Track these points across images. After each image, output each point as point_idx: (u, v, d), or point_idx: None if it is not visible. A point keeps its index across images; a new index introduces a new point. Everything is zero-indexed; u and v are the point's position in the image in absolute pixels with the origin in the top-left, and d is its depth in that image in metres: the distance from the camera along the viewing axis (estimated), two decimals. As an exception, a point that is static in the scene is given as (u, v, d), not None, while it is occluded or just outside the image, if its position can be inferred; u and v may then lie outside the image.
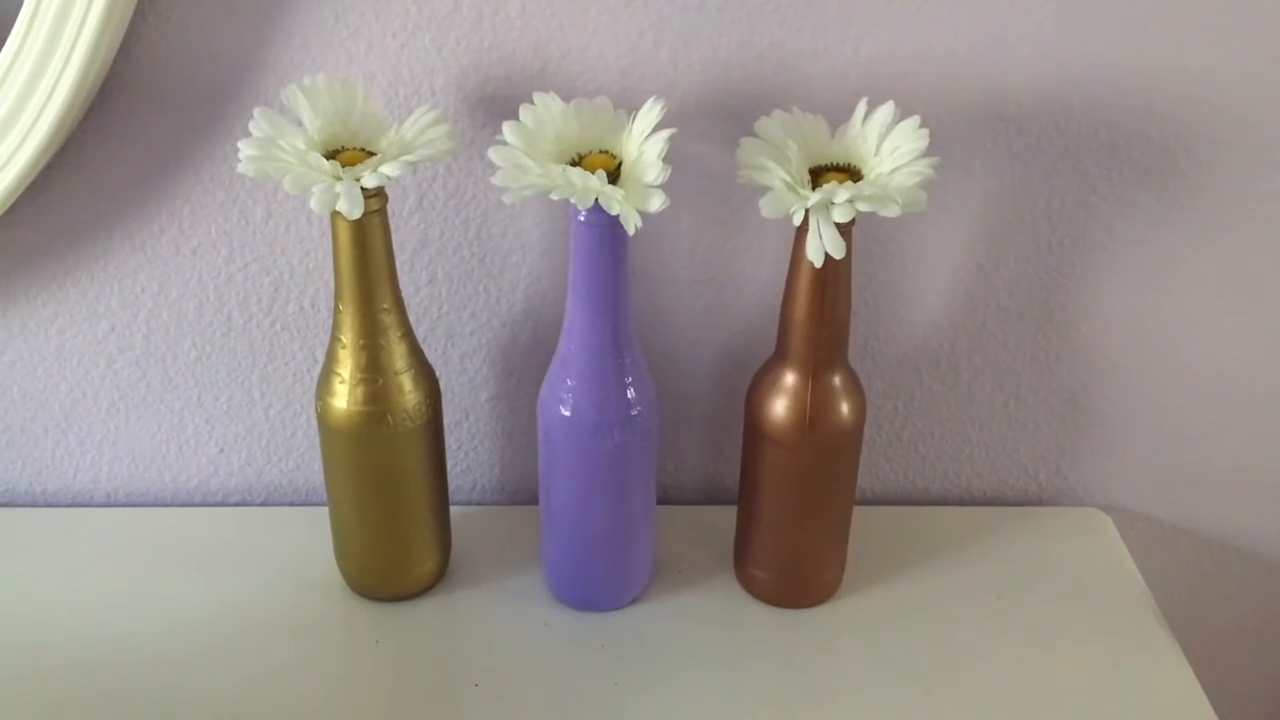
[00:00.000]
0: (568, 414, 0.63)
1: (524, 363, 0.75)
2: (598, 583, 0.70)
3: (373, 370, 0.63)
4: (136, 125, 0.67)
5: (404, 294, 0.65)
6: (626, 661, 0.67)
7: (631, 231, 0.56)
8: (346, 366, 0.63)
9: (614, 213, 0.56)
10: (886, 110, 0.59)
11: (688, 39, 0.65)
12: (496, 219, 0.70)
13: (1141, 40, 0.65)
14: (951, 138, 0.68)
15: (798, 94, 0.66)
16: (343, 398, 0.64)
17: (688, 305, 0.73)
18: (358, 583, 0.70)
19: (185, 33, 0.64)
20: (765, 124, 0.60)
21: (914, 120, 0.59)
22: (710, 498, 0.80)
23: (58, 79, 0.61)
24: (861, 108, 0.60)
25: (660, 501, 0.74)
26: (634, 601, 0.71)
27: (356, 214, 0.56)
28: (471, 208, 0.70)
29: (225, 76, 0.65)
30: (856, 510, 0.72)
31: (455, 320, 0.73)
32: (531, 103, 0.59)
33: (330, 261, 0.63)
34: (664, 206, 0.56)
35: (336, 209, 0.57)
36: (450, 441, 0.77)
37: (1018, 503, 0.81)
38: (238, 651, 0.67)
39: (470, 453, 0.78)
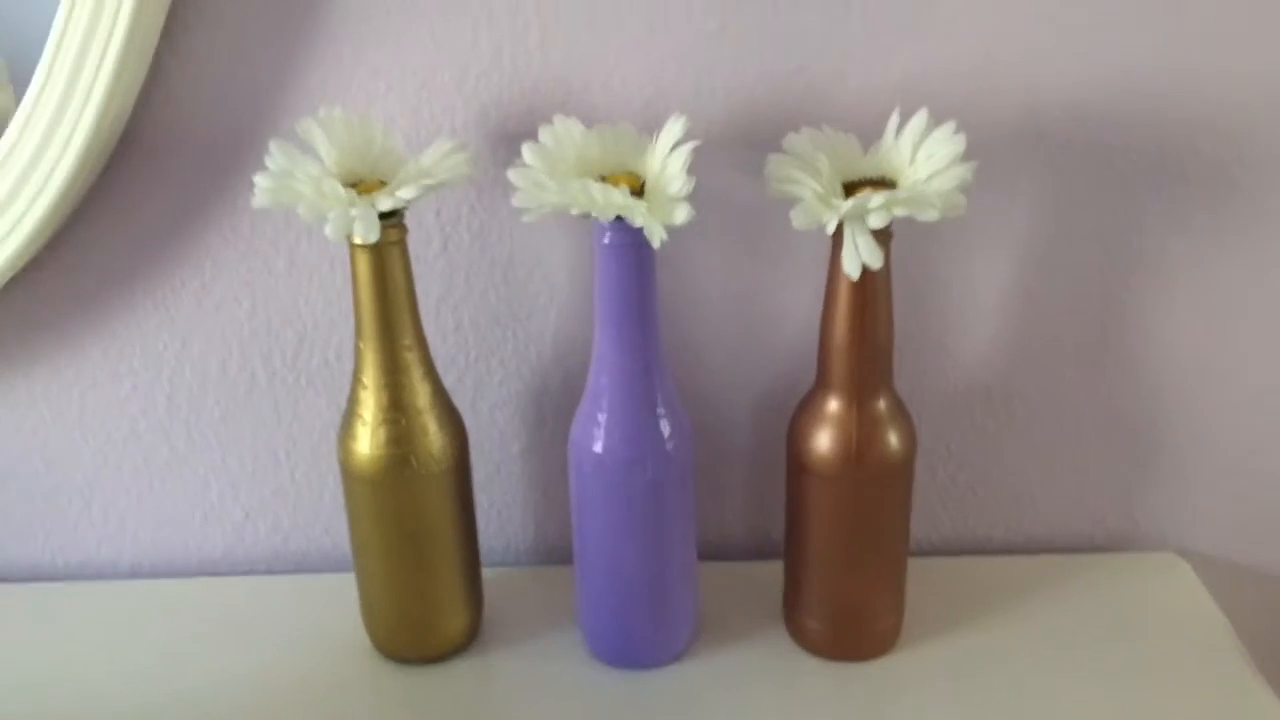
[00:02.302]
0: (599, 450, 0.60)
1: (556, 412, 0.72)
2: (637, 636, 0.65)
3: (395, 410, 0.61)
4: (156, 177, 0.66)
5: (430, 342, 0.63)
6: (671, 720, 0.63)
7: (656, 245, 0.54)
8: (368, 408, 0.61)
9: (638, 224, 0.53)
10: (920, 118, 0.57)
11: (711, 66, 0.64)
12: (522, 260, 0.68)
13: (1184, 47, 0.63)
14: (990, 157, 0.65)
15: (827, 117, 0.63)
16: (365, 441, 0.61)
17: (723, 344, 0.70)
18: (385, 644, 0.67)
19: (204, 77, 0.64)
20: (794, 139, 0.58)
21: (949, 126, 0.57)
22: (757, 552, 0.76)
23: (73, 129, 0.61)
24: (894, 119, 0.58)
25: (704, 557, 0.70)
26: (676, 659, 0.67)
27: (373, 238, 0.54)
28: (497, 249, 0.68)
29: (243, 123, 0.64)
30: (913, 562, 0.68)
31: (484, 369, 0.71)
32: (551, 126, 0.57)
33: (353, 312, 0.61)
34: (689, 219, 0.54)
35: (353, 235, 0.55)
36: (482, 500, 0.74)
37: (1086, 549, 0.76)
38: (260, 714, 0.63)
39: (503, 511, 0.75)
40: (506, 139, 0.65)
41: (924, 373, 0.71)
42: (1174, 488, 0.74)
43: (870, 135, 0.60)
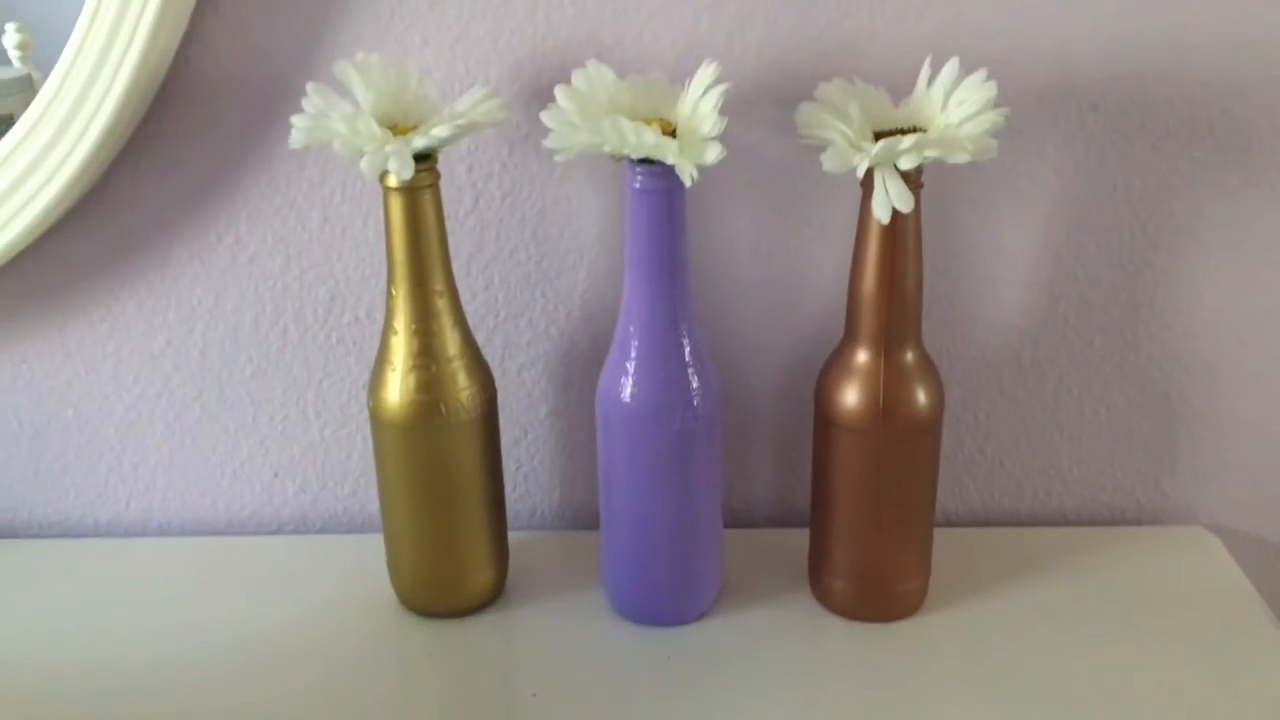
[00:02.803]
0: (627, 399, 0.61)
1: (583, 375, 0.72)
2: (661, 593, 0.65)
3: (425, 356, 0.61)
4: (194, 129, 0.67)
5: (461, 300, 0.63)
6: (694, 677, 0.62)
7: (688, 183, 0.54)
8: (399, 354, 0.61)
9: (669, 162, 0.54)
10: (952, 66, 0.57)
11: (743, 22, 0.64)
12: (553, 218, 0.69)
13: (1218, 6, 0.63)
14: (1021, 117, 0.66)
15: (858, 74, 0.63)
16: (395, 387, 0.61)
17: (752, 306, 0.71)
18: (410, 598, 0.67)
19: (242, 31, 0.65)
20: (826, 88, 0.59)
21: (981, 73, 0.57)
22: (783, 521, 0.76)
23: (113, 79, 0.62)
24: (926, 68, 0.58)
25: (730, 525, 0.71)
26: (701, 617, 0.67)
27: (406, 174, 0.55)
28: (528, 206, 0.69)
29: (281, 76, 0.65)
30: (940, 532, 0.68)
31: (513, 328, 0.71)
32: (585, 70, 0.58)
33: (385, 268, 0.61)
34: (721, 157, 0.54)
35: (388, 171, 0.55)
36: (509, 463, 0.74)
37: (1116, 523, 0.75)
38: (290, 671, 0.63)
39: (529, 474, 0.75)
40: (540, 94, 0.65)
41: (953, 339, 0.71)
42: (1205, 460, 0.74)
43: (901, 92, 0.60)
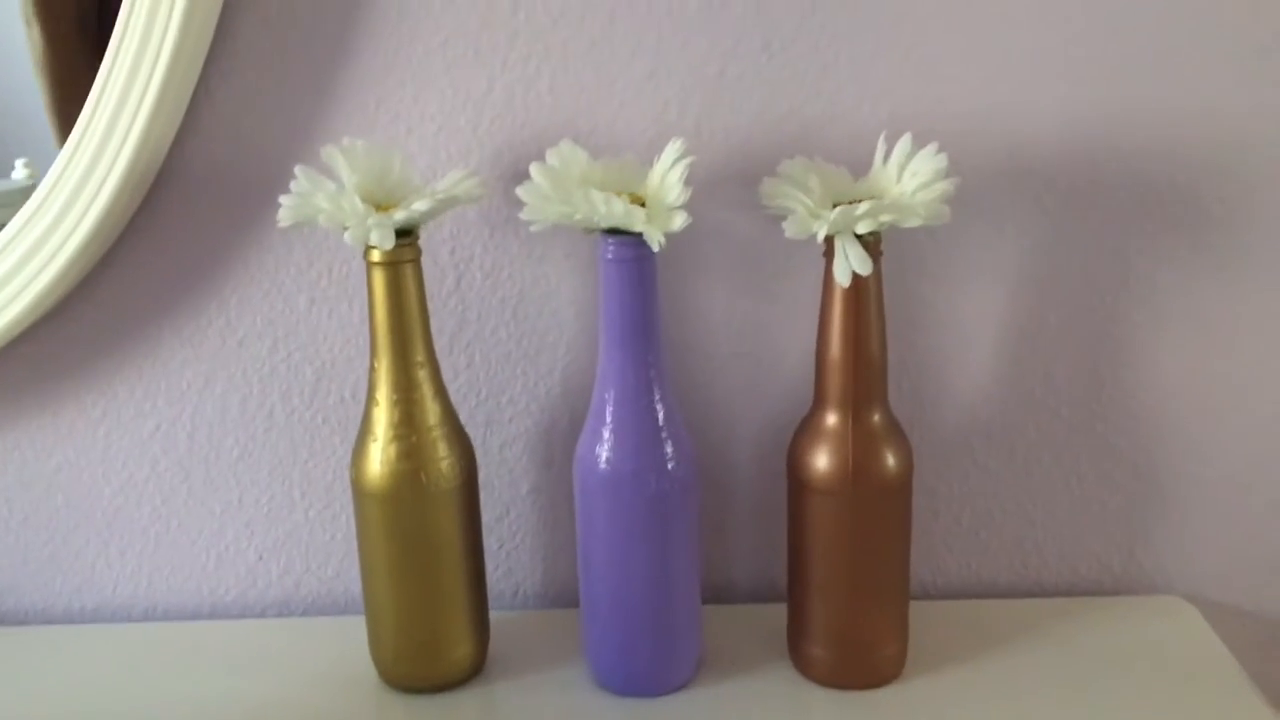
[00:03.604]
0: (603, 465, 0.62)
1: (563, 451, 0.74)
2: (641, 662, 0.66)
3: (406, 426, 0.63)
4: (186, 216, 0.70)
5: (444, 379, 0.66)
6: (675, 746, 0.62)
7: (656, 248, 0.57)
8: (380, 424, 0.63)
9: (638, 229, 0.56)
10: (905, 141, 0.61)
11: (710, 108, 0.68)
12: (532, 298, 0.71)
13: (1163, 85, 0.67)
14: (979, 196, 0.69)
15: (820, 155, 0.67)
16: (376, 458, 0.63)
17: (727, 381, 0.73)
18: (391, 671, 0.67)
19: (234, 122, 0.68)
20: (788, 164, 0.62)
21: (932, 146, 0.60)
22: (763, 595, 0.76)
23: (110, 167, 0.65)
24: (881, 144, 0.62)
25: (709, 600, 0.71)
26: (681, 688, 0.67)
27: (388, 244, 0.58)
28: (508, 287, 0.71)
29: (271, 165, 0.69)
30: (918, 605, 0.69)
31: (494, 405, 0.73)
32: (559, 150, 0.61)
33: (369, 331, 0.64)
34: (686, 224, 0.57)
35: (372, 247, 0.58)
36: (490, 541, 0.75)
37: (1093, 593, 0.76)
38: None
39: (511, 552, 0.76)
40: (519, 177, 0.68)
41: (923, 409, 0.73)
42: (1178, 530, 0.75)
43: (861, 171, 0.64)
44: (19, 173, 0.70)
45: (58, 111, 0.68)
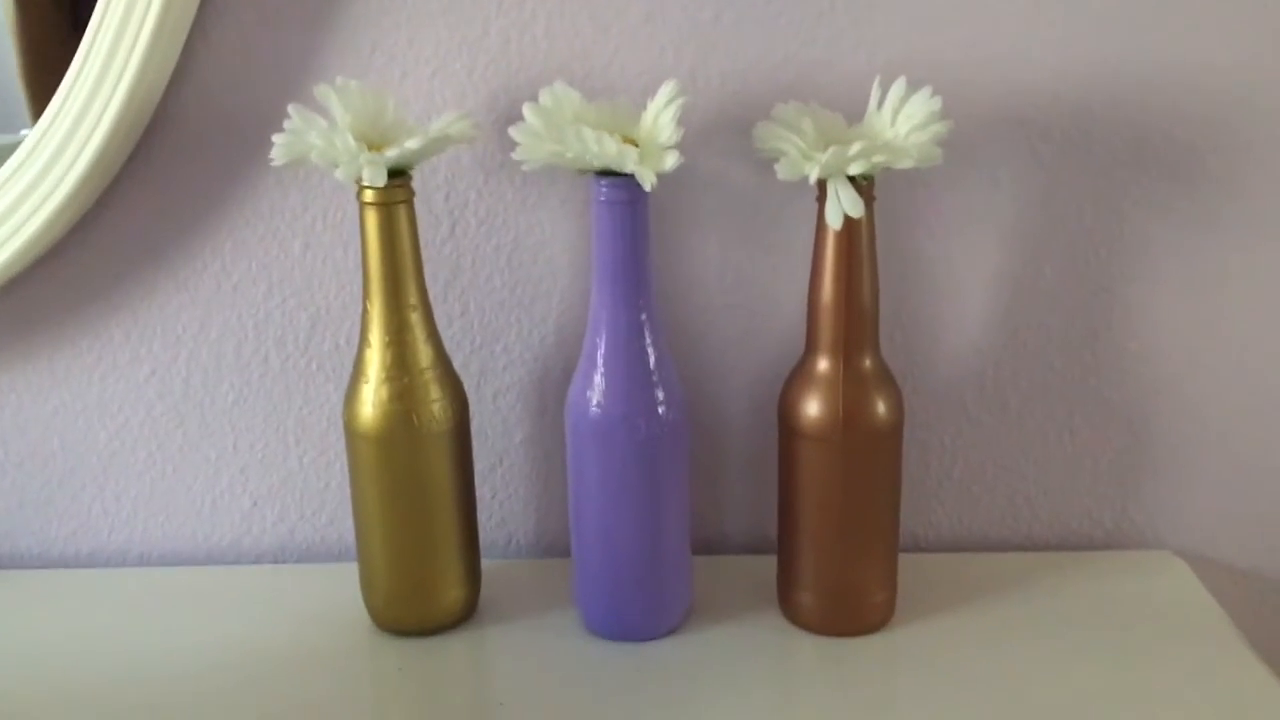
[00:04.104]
0: (594, 408, 0.62)
1: (557, 400, 0.74)
2: (631, 607, 0.66)
3: (398, 368, 0.63)
4: (181, 161, 0.70)
5: (438, 325, 0.66)
6: (665, 691, 0.63)
7: (648, 188, 0.57)
8: (373, 366, 0.63)
9: (629, 170, 0.56)
10: (899, 85, 0.61)
11: (706, 54, 0.68)
12: (527, 245, 0.71)
13: (1158, 36, 0.67)
14: (973, 145, 0.69)
15: (816, 102, 0.67)
16: (368, 400, 0.63)
17: (720, 332, 0.73)
18: (384, 614, 0.68)
19: (229, 66, 0.68)
20: (782, 109, 0.62)
21: (926, 90, 0.60)
22: (754, 547, 0.76)
23: (103, 110, 0.65)
24: (876, 89, 0.61)
25: (701, 552, 0.72)
26: (670, 634, 0.67)
27: (380, 181, 0.58)
28: (503, 234, 0.71)
29: (265, 109, 0.69)
30: (908, 558, 0.69)
31: (488, 354, 0.73)
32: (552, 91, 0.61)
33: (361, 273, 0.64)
34: (678, 164, 0.57)
35: (364, 187, 0.58)
36: (484, 490, 0.76)
37: (1084, 548, 0.76)
38: (265, 692, 0.63)
39: (505, 502, 0.76)
40: (513, 123, 0.68)
41: (915, 363, 0.73)
42: (1170, 485, 0.75)
43: (856, 118, 0.63)
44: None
45: (30, 80, 0.68)
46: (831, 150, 0.56)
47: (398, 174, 0.61)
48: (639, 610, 0.66)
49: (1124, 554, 0.75)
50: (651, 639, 0.67)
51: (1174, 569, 0.74)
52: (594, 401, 0.62)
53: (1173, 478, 0.75)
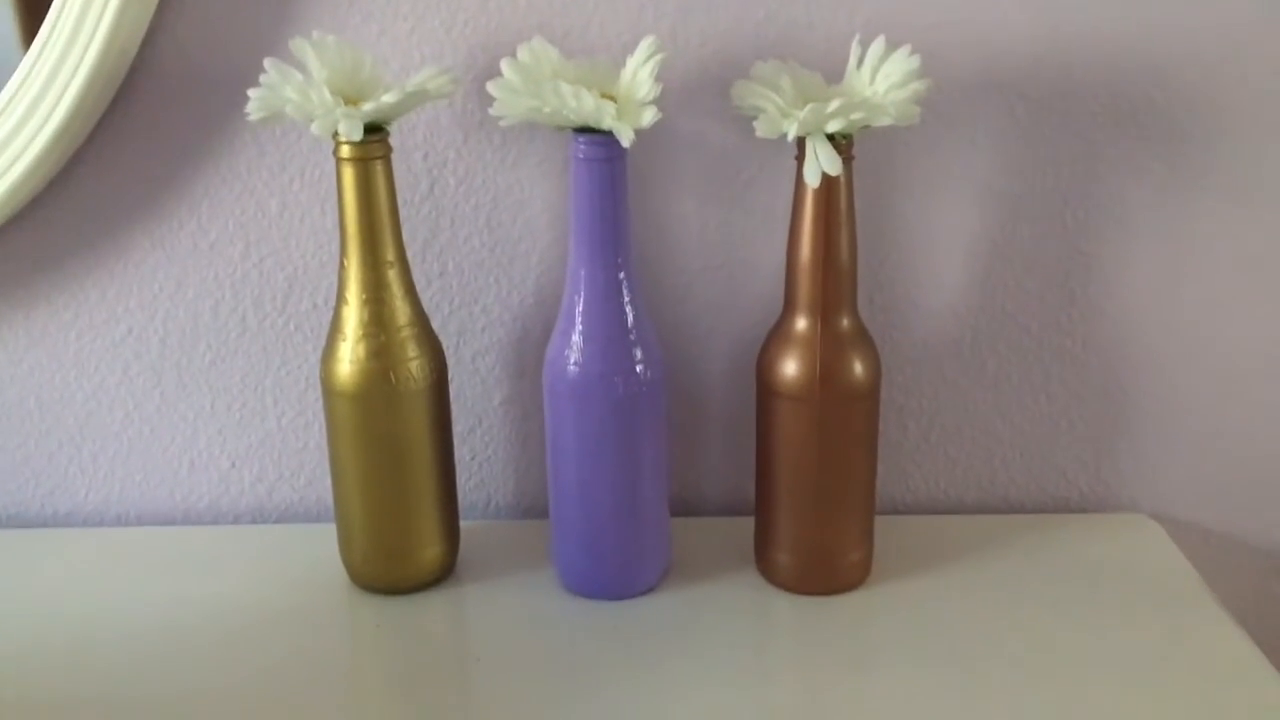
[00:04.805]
0: (571, 367, 0.62)
1: (536, 361, 0.74)
2: (608, 565, 0.66)
3: (375, 325, 0.63)
4: (157, 118, 0.69)
5: (416, 286, 0.65)
6: (642, 648, 0.63)
7: (626, 143, 0.56)
8: (350, 323, 0.63)
9: (607, 125, 0.56)
10: (878, 44, 0.60)
11: (686, 13, 0.67)
12: (506, 205, 0.71)
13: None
14: (952, 106, 0.69)
15: (796, 61, 0.67)
16: (345, 357, 0.63)
17: (699, 294, 0.73)
18: (361, 572, 0.68)
19: (204, 22, 0.67)
20: (761, 67, 0.62)
21: (905, 49, 0.60)
22: (732, 509, 0.77)
23: (78, 65, 0.65)
24: (855, 47, 0.61)
25: (679, 513, 0.72)
26: (647, 592, 0.68)
27: (356, 136, 0.57)
28: (482, 193, 0.71)
29: (242, 66, 0.68)
30: (884, 519, 0.69)
31: (467, 315, 0.73)
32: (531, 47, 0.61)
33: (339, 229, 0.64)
34: (656, 120, 0.57)
35: (341, 143, 0.58)
36: (463, 452, 0.76)
37: (1060, 510, 0.77)
38: (242, 650, 0.63)
39: (484, 464, 0.77)
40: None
41: (893, 325, 0.73)
42: (1145, 449, 0.75)
43: (835, 79, 0.63)
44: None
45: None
46: (810, 107, 0.56)
47: (375, 130, 0.60)
48: (616, 569, 0.66)
49: (1099, 516, 0.76)
50: (628, 598, 0.67)
51: (1148, 531, 0.74)
52: (572, 360, 0.62)
53: (1147, 441, 0.75)
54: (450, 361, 0.69)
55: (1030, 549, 0.72)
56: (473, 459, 0.76)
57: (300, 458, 0.76)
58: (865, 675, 0.61)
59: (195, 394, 0.75)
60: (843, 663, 0.62)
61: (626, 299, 0.62)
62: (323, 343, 0.72)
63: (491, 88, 0.59)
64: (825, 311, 0.62)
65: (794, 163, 0.61)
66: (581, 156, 0.59)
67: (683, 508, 0.76)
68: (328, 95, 0.58)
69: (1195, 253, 0.71)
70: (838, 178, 0.59)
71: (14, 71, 0.66)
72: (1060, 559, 0.71)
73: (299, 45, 0.60)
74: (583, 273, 0.62)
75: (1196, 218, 0.70)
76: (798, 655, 0.64)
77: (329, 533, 0.69)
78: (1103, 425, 0.75)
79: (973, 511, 0.77)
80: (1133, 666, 0.61)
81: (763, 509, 0.68)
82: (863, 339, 0.64)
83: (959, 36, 0.67)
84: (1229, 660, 0.61)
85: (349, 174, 0.61)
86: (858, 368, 0.63)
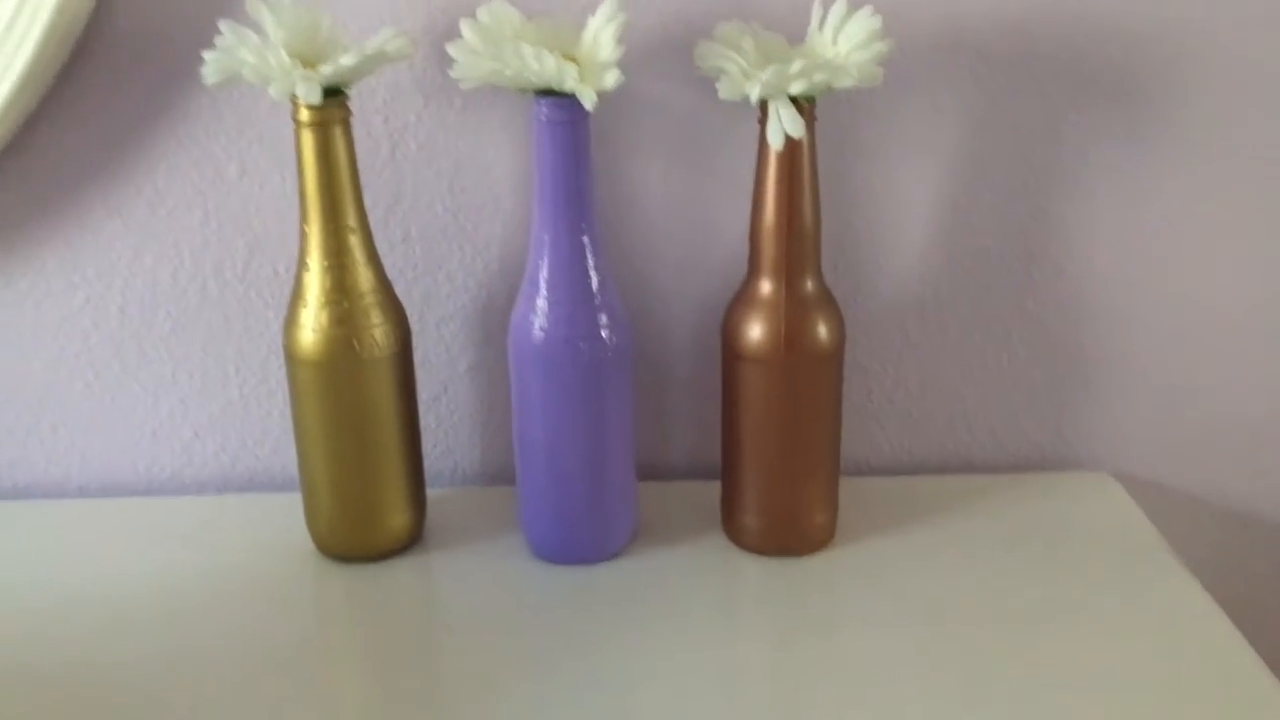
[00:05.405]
0: (537, 331, 0.62)
1: (501, 328, 0.73)
2: (575, 530, 0.67)
3: (338, 292, 0.62)
4: (112, 82, 0.68)
5: (379, 252, 0.65)
6: (610, 612, 0.64)
7: (589, 106, 0.56)
8: (312, 290, 0.62)
9: (569, 88, 0.56)
10: (840, 5, 0.60)
11: (647, -27, 0.67)
12: (469, 170, 0.71)
13: (1094, -41, 0.67)
14: (913, 67, 0.69)
15: (758, 23, 0.66)
16: (308, 325, 0.63)
17: (664, 258, 0.73)
18: (328, 541, 0.67)
19: (162, -18, 0.66)
20: (723, 27, 0.61)
21: (867, 9, 0.60)
22: (698, 474, 0.77)
23: (30, 25, 0.63)
24: (817, 7, 0.61)
25: (646, 478, 0.72)
26: (615, 557, 0.68)
27: (314, 99, 0.57)
28: (444, 158, 0.70)
29: (198, 29, 0.66)
30: (851, 480, 0.70)
31: (431, 281, 0.73)
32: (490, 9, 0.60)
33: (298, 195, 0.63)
34: (620, 82, 0.56)
35: (300, 106, 0.57)
36: (429, 419, 0.75)
37: (1022, 469, 0.77)
38: (209, 620, 0.63)
39: (450, 431, 0.76)
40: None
41: (858, 288, 0.73)
42: (1106, 408, 0.76)
43: (798, 40, 0.63)
44: None
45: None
46: (772, 69, 0.56)
47: (334, 93, 0.60)
48: (584, 534, 0.67)
49: (1060, 475, 0.77)
50: (596, 563, 0.67)
51: (1109, 489, 0.75)
52: (537, 325, 0.62)
53: (1108, 400, 0.76)
54: (414, 328, 0.69)
55: (993, 508, 0.73)
56: (438, 426, 0.76)
57: (264, 426, 0.76)
58: (832, 635, 0.62)
59: (156, 363, 0.74)
60: (810, 623, 0.63)
61: (591, 263, 0.62)
62: (285, 310, 0.72)
63: (452, 49, 0.58)
64: (789, 275, 0.62)
65: (756, 124, 0.61)
66: (544, 120, 0.59)
67: (649, 472, 0.76)
68: (285, 57, 0.58)
69: (1155, 213, 0.72)
70: (800, 141, 0.59)
71: (-38, 35, 0.64)
72: (1023, 517, 0.72)
73: (255, 6, 0.59)
74: (547, 237, 0.62)
75: (1158, 178, 0.71)
76: (765, 616, 0.64)
77: (294, 501, 0.69)
78: (1064, 385, 0.76)
79: (936, 472, 0.78)
80: (1094, 622, 0.62)
81: (729, 472, 0.68)
82: (827, 302, 0.64)
83: (921, -3, 0.67)
84: (1187, 615, 0.62)
85: (308, 138, 0.60)
86: (822, 331, 0.63)
